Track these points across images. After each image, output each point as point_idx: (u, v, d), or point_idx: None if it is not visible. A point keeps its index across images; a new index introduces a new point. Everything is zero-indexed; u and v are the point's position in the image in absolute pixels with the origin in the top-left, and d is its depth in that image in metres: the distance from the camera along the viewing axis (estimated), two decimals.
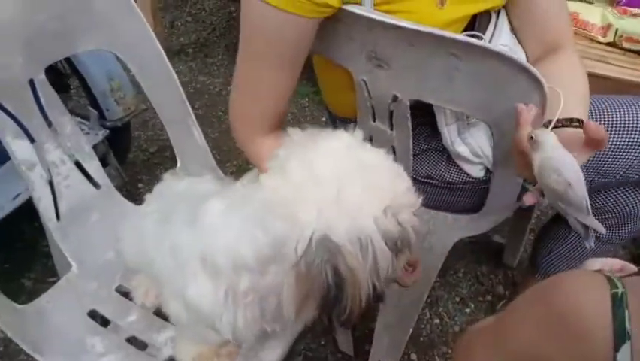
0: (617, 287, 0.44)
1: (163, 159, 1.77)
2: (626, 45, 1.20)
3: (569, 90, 0.72)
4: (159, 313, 0.87)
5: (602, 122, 0.86)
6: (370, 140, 0.95)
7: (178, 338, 0.81)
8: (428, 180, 0.95)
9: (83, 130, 1.29)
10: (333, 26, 0.77)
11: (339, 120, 1.01)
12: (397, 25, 0.71)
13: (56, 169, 0.87)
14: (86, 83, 1.30)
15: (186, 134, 1.01)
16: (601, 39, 1.24)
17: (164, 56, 0.94)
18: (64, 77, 1.38)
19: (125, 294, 0.89)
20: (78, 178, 0.91)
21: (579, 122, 0.69)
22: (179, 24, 2.51)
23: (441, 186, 0.94)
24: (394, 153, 0.92)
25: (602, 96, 0.90)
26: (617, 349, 0.41)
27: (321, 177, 0.58)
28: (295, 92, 0.83)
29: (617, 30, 1.21)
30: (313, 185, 0.57)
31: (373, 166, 0.61)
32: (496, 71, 0.71)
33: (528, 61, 0.87)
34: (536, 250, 1.14)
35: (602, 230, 0.68)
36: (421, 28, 0.70)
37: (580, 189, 0.64)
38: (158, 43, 0.92)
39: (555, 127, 0.69)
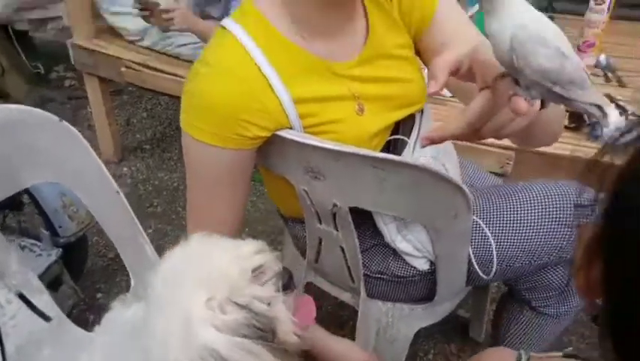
0: (521, 356, 0.48)
1: (122, 265, 1.73)
2: None
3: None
4: None
5: (535, 206, 0.91)
6: (320, 241, 0.98)
7: None
8: (379, 276, 0.97)
9: (34, 252, 1.28)
10: (271, 145, 0.83)
11: (289, 220, 1.05)
12: (323, 147, 0.77)
13: (2, 310, 0.85)
14: (37, 201, 1.30)
15: (138, 251, 1.01)
16: None
17: (113, 182, 0.96)
18: (18, 195, 1.39)
19: None
20: (26, 315, 0.89)
21: None
22: (135, 121, 2.57)
23: (392, 280, 0.97)
24: (343, 252, 0.96)
25: (535, 181, 0.96)
26: None
27: (154, 306, 0.57)
28: (252, 179, 0.87)
29: None
30: (154, 312, 0.57)
31: (186, 263, 0.58)
32: (419, 180, 0.77)
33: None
34: (495, 331, 1.17)
35: (607, 102, 0.52)
36: (343, 148, 0.76)
37: (574, 56, 0.50)
38: (106, 172, 0.94)
39: None
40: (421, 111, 0.93)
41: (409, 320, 1.03)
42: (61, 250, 1.29)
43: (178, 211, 1.96)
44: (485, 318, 1.40)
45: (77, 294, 1.35)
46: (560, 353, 0.54)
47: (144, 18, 1.84)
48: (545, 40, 0.47)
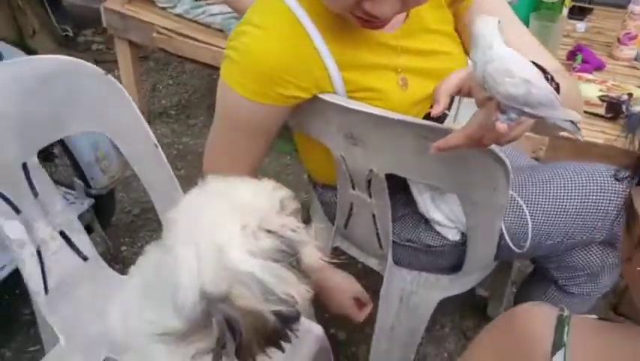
0: (563, 310, 0.49)
1: (146, 221, 1.78)
2: (584, 108, 1.30)
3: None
4: None
5: (568, 187, 0.92)
6: (351, 207, 1.00)
7: None
8: (409, 244, 0.98)
9: (68, 200, 1.31)
10: (312, 108, 0.84)
11: (320, 186, 1.06)
12: (368, 113, 0.78)
13: (46, 245, 0.88)
14: (71, 153, 1.33)
15: (173, 205, 1.04)
16: None
17: (152, 133, 0.98)
18: (49, 147, 1.41)
19: None
20: (67, 252, 0.92)
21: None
22: (161, 87, 2.59)
23: (421, 249, 0.98)
24: (374, 219, 0.97)
25: (568, 163, 0.96)
26: (552, 354, 0.46)
27: (183, 234, 0.59)
28: (277, 150, 0.89)
29: None
30: (182, 240, 0.59)
31: (227, 194, 0.60)
32: (459, 151, 0.77)
33: None
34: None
35: (578, 117, 0.62)
36: (389, 115, 0.77)
37: (540, 82, 0.58)
38: (147, 126, 0.96)
39: None
40: None
41: (434, 289, 1.05)
42: (92, 200, 1.32)
43: (202, 176, 1.99)
44: (505, 298, 1.41)
45: (106, 242, 1.38)
46: (595, 316, 0.55)
47: None
48: (511, 72, 0.56)
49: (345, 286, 0.99)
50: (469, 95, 0.68)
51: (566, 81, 0.73)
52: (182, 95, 2.52)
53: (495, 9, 0.87)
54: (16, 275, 1.08)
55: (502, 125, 0.59)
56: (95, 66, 0.94)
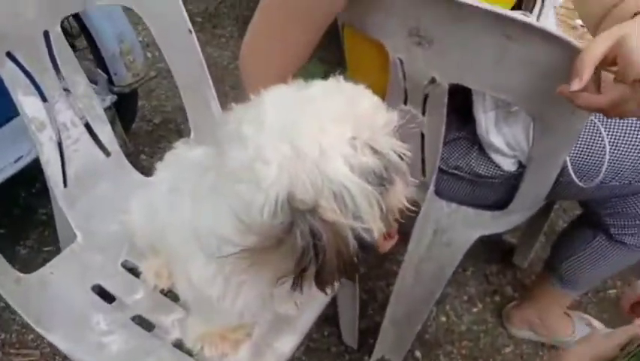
0: None
1: (167, 131, 1.71)
2: None
3: None
4: (166, 294, 0.82)
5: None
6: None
7: (188, 318, 0.77)
8: (455, 172, 0.91)
9: None
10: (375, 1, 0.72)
11: None
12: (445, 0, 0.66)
13: (67, 131, 0.81)
14: (94, 43, 1.24)
15: (203, 104, 0.96)
16: None
17: (186, 15, 0.88)
18: (71, 37, 1.32)
19: (132, 270, 0.84)
20: (88, 143, 0.85)
21: None
22: None
23: (469, 178, 0.90)
24: (422, 139, 0.88)
25: None
26: None
27: (274, 132, 0.52)
28: (306, 73, 0.79)
29: None
30: (268, 141, 0.52)
31: (325, 98, 0.54)
32: (551, 56, 0.66)
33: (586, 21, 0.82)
34: (556, 252, 1.12)
35: None
36: (477, 3, 0.65)
37: None
38: (182, 5, 0.86)
39: None
40: None
41: (472, 226, 0.98)
42: (115, 96, 1.24)
43: (226, 91, 1.89)
44: (535, 246, 1.35)
45: (127, 146, 1.32)
46: None
47: None
48: None
49: None
50: (613, 66, 0.59)
51: None
52: (210, 2, 2.37)
53: None
54: (34, 170, 1.04)
55: None
56: None
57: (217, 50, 2.08)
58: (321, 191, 0.49)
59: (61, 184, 0.83)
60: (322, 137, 0.50)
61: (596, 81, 0.60)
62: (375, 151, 0.51)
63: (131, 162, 1.48)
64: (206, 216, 0.60)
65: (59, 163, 0.81)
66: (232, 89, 1.87)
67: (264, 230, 0.52)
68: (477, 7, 0.65)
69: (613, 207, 0.93)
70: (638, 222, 0.92)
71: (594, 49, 0.57)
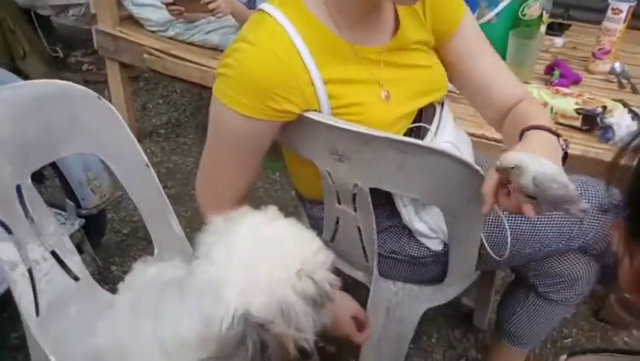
0: None
1: (136, 240, 1.79)
2: (561, 120, 1.35)
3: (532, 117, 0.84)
4: None
5: None
6: (337, 221, 1.03)
7: None
8: (393, 255, 1.02)
9: (58, 220, 1.32)
10: (299, 126, 0.87)
11: (307, 202, 1.09)
12: (352, 130, 0.82)
13: (38, 266, 0.90)
14: (62, 174, 1.34)
15: (165, 225, 1.06)
16: None
17: (143, 153, 1.01)
18: (41, 168, 1.43)
19: None
20: (58, 273, 0.94)
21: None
22: (151, 106, 2.62)
23: (405, 260, 1.01)
24: (359, 231, 1.00)
25: None
26: None
27: (241, 261, 0.66)
28: (266, 167, 0.93)
29: (552, 108, 1.36)
30: (234, 267, 0.66)
31: (282, 239, 0.69)
32: (439, 165, 0.81)
33: (490, 123, 1.01)
34: (500, 314, 1.21)
35: (587, 206, 0.72)
36: (373, 132, 0.81)
37: (571, 184, 0.69)
38: (138, 146, 0.99)
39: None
40: (442, 104, 0.98)
41: (418, 300, 1.08)
42: (83, 220, 1.34)
43: (191, 194, 2.01)
44: (489, 307, 1.44)
45: (96, 263, 1.39)
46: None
47: (170, 12, 1.89)
48: (555, 178, 0.68)
49: (343, 304, 0.96)
50: (506, 183, 0.74)
51: (535, 105, 0.90)
52: (171, 114, 2.55)
53: (474, 37, 0.96)
54: (3, 298, 1.10)
55: (532, 212, 0.71)
56: (88, 90, 0.98)
57: (181, 156, 2.23)
58: (272, 310, 0.64)
59: (34, 314, 0.90)
60: (277, 269, 0.65)
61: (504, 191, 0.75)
62: (314, 282, 0.67)
63: (101, 275, 1.56)
64: (170, 327, 0.71)
65: (32, 296, 0.88)
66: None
67: (221, 340, 0.64)
68: (376, 135, 0.81)
69: (536, 270, 1.04)
70: (559, 280, 1.03)
71: (489, 178, 0.74)
